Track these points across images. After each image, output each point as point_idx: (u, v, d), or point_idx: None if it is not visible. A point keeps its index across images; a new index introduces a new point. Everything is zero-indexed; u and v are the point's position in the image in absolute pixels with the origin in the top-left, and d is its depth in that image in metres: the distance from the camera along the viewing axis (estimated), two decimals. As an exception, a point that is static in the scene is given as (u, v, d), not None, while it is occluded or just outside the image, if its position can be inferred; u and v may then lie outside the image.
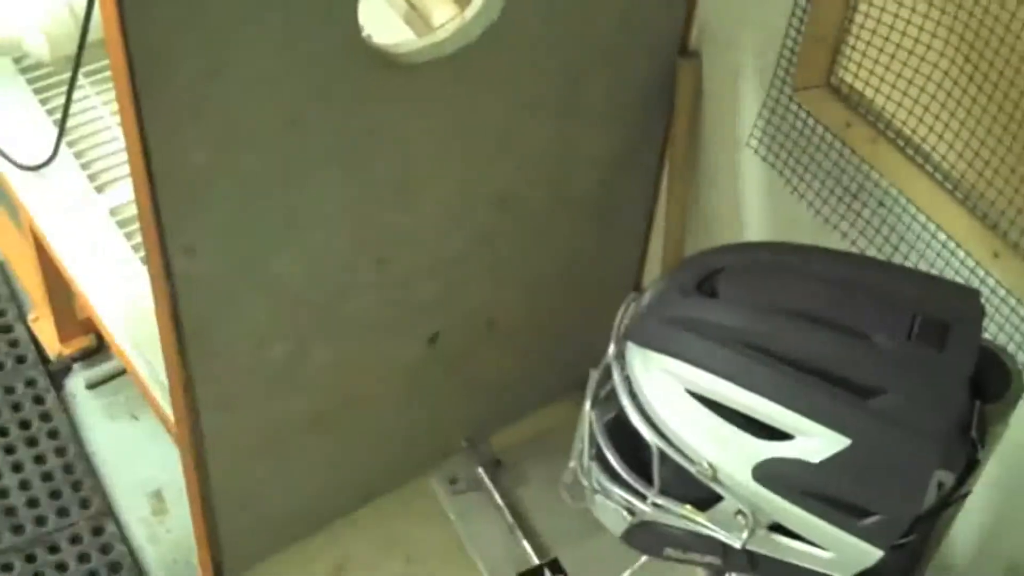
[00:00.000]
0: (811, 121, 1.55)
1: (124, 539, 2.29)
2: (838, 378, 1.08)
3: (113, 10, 1.17)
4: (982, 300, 1.17)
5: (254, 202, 1.40)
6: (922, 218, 1.46)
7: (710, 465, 1.12)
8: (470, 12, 1.45)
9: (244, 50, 1.26)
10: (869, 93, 1.50)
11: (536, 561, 1.49)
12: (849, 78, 1.52)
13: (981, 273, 1.41)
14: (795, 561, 1.16)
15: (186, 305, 1.42)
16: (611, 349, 1.20)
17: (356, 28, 1.34)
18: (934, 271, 1.45)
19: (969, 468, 1.18)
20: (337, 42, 1.32)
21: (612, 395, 1.21)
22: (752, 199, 1.69)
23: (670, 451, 1.14)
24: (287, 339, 1.55)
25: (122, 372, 2.46)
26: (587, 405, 1.24)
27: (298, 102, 1.35)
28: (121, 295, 1.99)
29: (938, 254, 1.45)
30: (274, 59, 1.30)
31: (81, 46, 1.84)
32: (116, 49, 1.20)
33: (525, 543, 1.51)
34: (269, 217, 1.43)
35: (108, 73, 2.15)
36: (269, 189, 1.40)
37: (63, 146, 2.06)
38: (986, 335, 1.32)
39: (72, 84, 1.94)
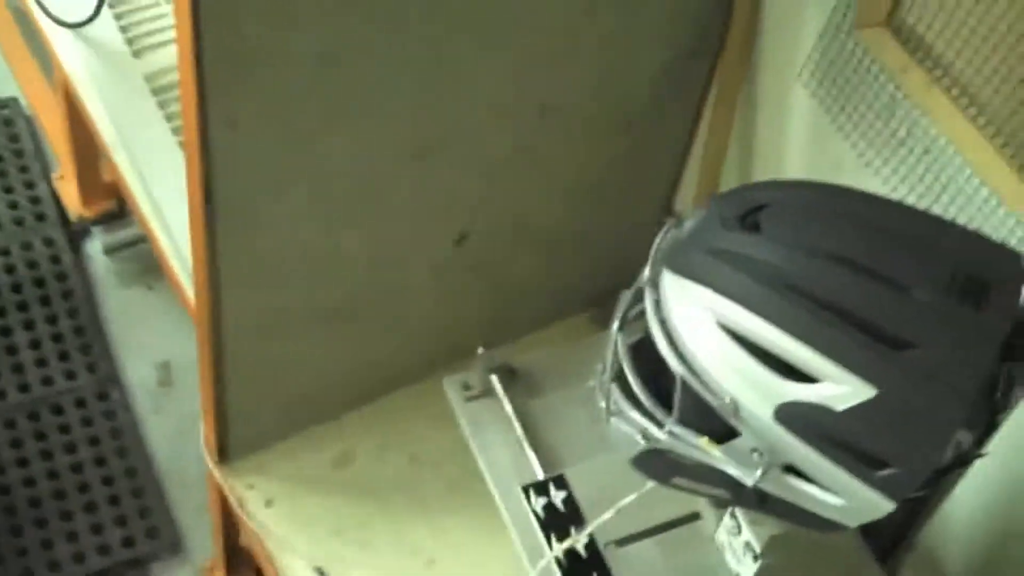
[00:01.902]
0: (867, 60, 1.52)
1: (128, 407, 2.31)
2: (873, 327, 1.07)
3: None
4: (1024, 263, 1.16)
5: (302, 81, 1.38)
6: (968, 171, 1.43)
7: (732, 400, 1.11)
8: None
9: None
10: (930, 38, 1.47)
11: (542, 475, 1.49)
12: (911, 20, 1.49)
13: (1021, 233, 1.39)
14: (805, 505, 1.16)
15: (220, 178, 1.41)
16: (646, 273, 1.18)
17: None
18: (973, 226, 1.43)
19: (988, 430, 1.18)
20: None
21: (641, 318, 1.20)
22: (796, 133, 1.67)
23: (693, 381, 1.13)
24: (318, 223, 1.54)
25: (141, 240, 2.46)
26: (614, 326, 1.23)
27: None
28: (150, 163, 1.98)
29: (979, 209, 1.43)
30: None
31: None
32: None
33: (532, 456, 1.50)
34: (315, 98, 1.41)
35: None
36: (317, 69, 1.38)
37: (104, 7, 2.04)
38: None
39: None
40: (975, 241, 1.18)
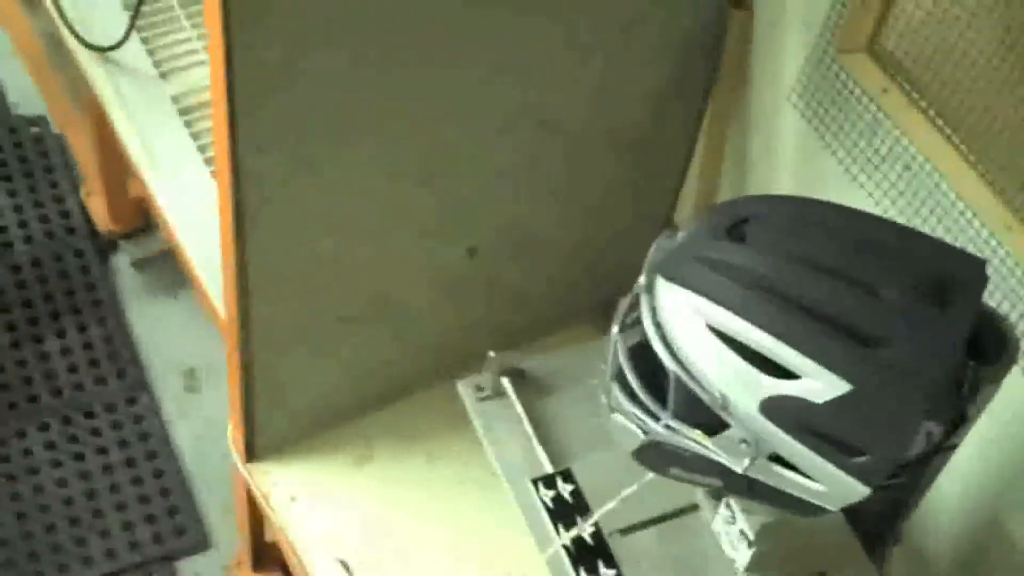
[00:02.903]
0: (850, 83, 1.62)
1: (156, 411, 2.41)
2: (846, 327, 1.17)
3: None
4: (990, 269, 1.26)
5: (321, 103, 1.48)
6: (944, 186, 1.54)
7: (721, 395, 1.21)
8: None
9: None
10: (907, 62, 1.57)
11: (550, 469, 1.59)
12: (890, 46, 1.59)
13: (994, 244, 1.50)
14: (789, 490, 1.26)
15: (248, 198, 1.51)
16: (642, 280, 1.29)
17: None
18: (950, 238, 1.53)
19: (958, 423, 1.28)
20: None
21: (638, 322, 1.30)
22: (786, 150, 1.77)
23: (686, 378, 1.23)
24: (336, 235, 1.64)
25: (166, 253, 2.57)
26: (614, 329, 1.33)
27: (369, 5, 1.42)
28: (177, 179, 2.09)
29: (955, 221, 1.54)
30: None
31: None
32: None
33: (541, 451, 1.60)
34: (332, 120, 1.51)
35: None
36: (335, 91, 1.48)
37: (132, 31, 2.15)
38: (992, 303, 1.42)
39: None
40: (941, 248, 1.28)
